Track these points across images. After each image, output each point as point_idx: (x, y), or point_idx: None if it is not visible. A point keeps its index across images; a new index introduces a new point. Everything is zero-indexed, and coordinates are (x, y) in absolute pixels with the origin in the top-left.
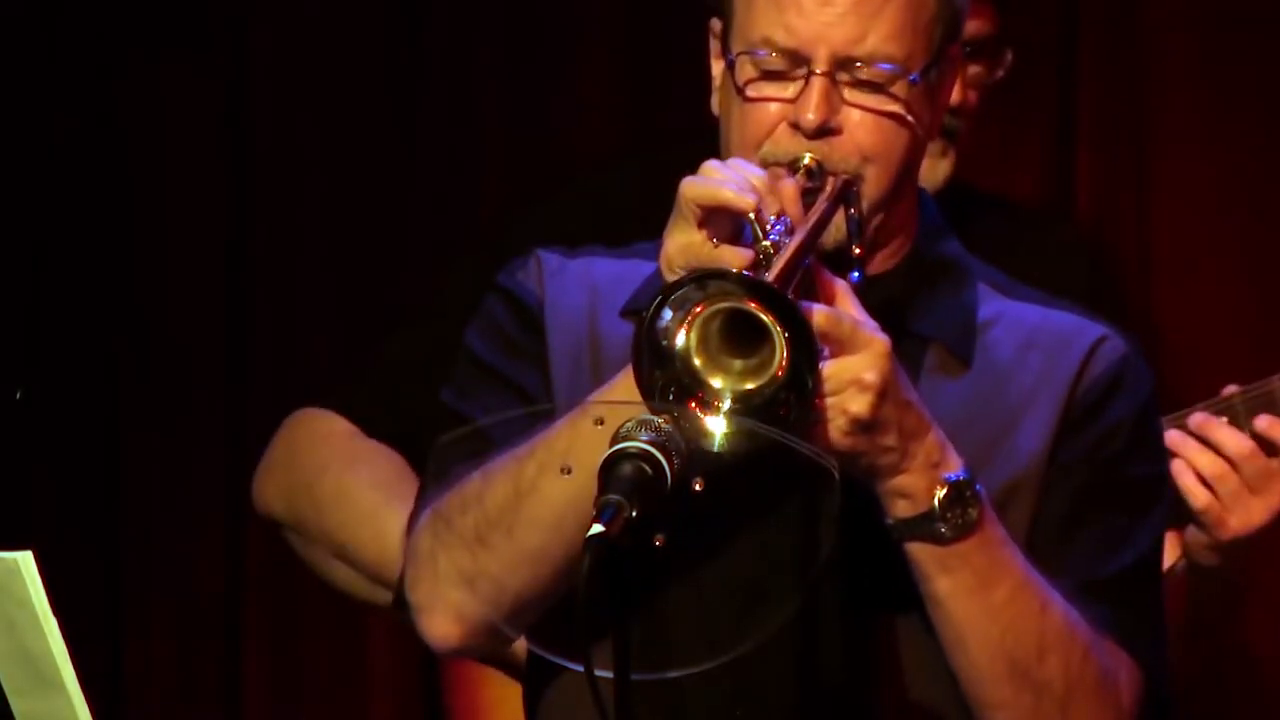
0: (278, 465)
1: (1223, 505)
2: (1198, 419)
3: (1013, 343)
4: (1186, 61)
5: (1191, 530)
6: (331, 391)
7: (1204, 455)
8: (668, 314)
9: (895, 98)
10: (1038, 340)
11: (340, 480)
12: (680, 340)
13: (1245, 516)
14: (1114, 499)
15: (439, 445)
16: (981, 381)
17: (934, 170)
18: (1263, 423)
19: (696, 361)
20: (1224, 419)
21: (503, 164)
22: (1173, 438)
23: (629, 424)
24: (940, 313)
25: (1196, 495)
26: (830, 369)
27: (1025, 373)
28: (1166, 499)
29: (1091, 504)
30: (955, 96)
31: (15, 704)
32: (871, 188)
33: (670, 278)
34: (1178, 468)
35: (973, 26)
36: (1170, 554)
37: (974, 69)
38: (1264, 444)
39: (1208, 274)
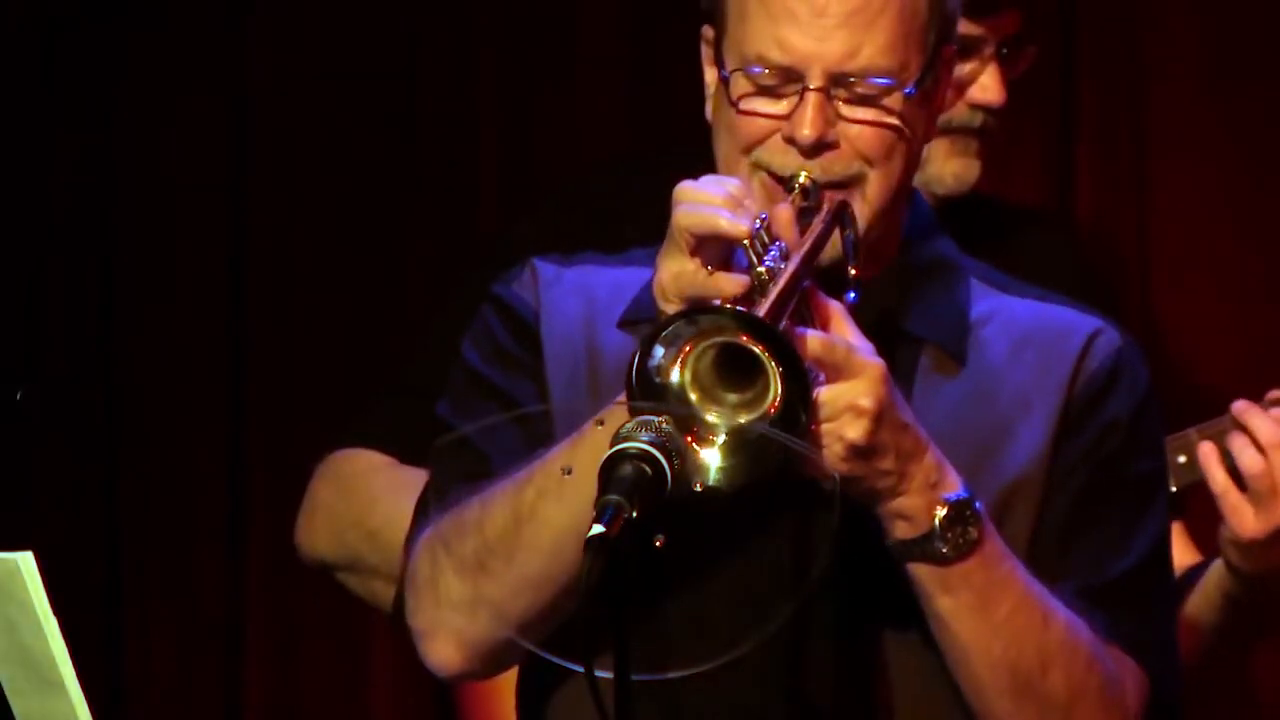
0: (322, 508)
1: (1248, 500)
2: (1240, 405)
3: (1007, 339)
4: (1186, 61)
5: (1224, 530)
6: (354, 429)
7: (1249, 450)
8: (659, 351)
9: (890, 110)
10: (1033, 336)
11: (395, 507)
12: (674, 377)
13: (1268, 517)
14: (1114, 499)
15: (435, 456)
16: (977, 379)
17: (968, 169)
18: None
19: (691, 396)
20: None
21: (503, 165)
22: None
23: (629, 425)
24: (932, 313)
25: (1216, 480)
26: (826, 395)
27: (1021, 368)
28: (1166, 494)
29: (1092, 506)
30: (992, 96)
31: (15, 704)
32: (871, 196)
33: (664, 306)
34: (1206, 456)
35: (1009, 24)
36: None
37: (1008, 68)
38: None
39: (1208, 274)
